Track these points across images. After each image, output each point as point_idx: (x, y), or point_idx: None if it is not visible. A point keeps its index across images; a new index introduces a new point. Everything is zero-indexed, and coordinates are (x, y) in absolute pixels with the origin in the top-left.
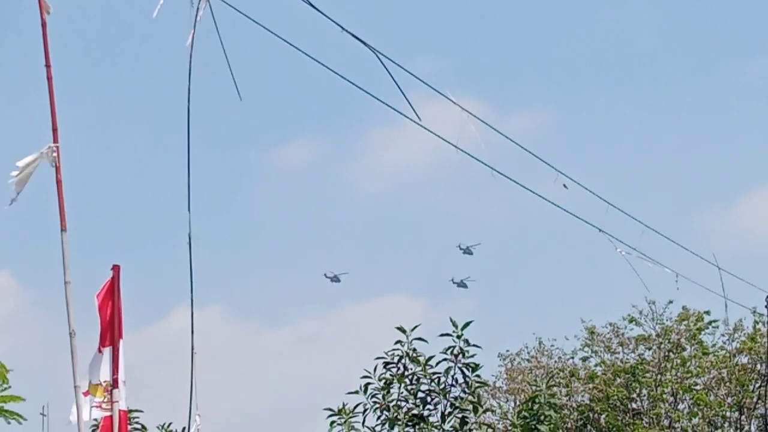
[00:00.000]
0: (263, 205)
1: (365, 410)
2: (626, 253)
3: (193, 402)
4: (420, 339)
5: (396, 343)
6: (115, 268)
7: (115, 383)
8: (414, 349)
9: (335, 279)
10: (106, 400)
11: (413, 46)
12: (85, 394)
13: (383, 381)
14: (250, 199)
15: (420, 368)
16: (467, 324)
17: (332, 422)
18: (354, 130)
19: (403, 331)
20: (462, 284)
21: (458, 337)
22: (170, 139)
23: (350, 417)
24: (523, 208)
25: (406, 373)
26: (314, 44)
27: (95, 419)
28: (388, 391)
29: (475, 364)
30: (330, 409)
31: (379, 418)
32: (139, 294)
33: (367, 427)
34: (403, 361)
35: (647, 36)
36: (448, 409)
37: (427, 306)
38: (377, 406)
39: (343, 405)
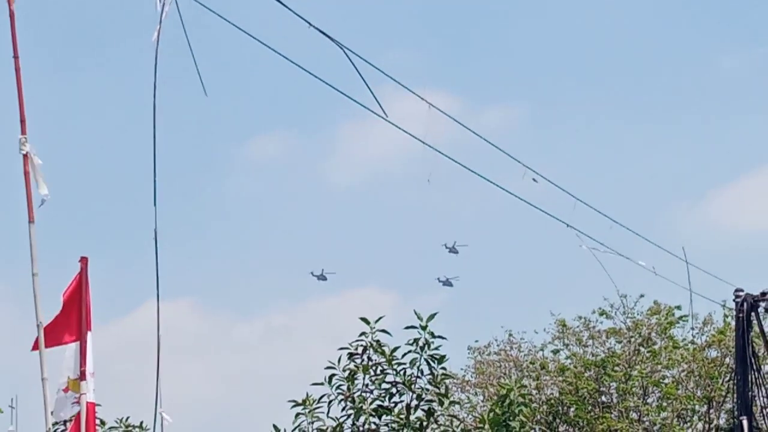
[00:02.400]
0: (234, 198)
1: (330, 401)
2: (592, 248)
3: (158, 400)
4: (383, 331)
5: (360, 334)
6: (83, 261)
7: (82, 375)
8: (377, 341)
9: (321, 277)
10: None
11: (386, 40)
12: (65, 390)
13: (348, 372)
14: (221, 192)
15: (384, 359)
16: (432, 316)
17: (297, 413)
18: (325, 124)
19: (367, 322)
20: (448, 283)
21: (423, 328)
22: (142, 132)
23: (315, 408)
24: (494, 203)
25: (371, 363)
26: (284, 39)
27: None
28: (353, 382)
29: (440, 355)
30: (294, 401)
31: (344, 408)
32: (109, 287)
33: (332, 418)
34: (367, 352)
35: (618, 33)
36: (414, 401)
37: (398, 300)
38: (342, 396)
39: (307, 396)
